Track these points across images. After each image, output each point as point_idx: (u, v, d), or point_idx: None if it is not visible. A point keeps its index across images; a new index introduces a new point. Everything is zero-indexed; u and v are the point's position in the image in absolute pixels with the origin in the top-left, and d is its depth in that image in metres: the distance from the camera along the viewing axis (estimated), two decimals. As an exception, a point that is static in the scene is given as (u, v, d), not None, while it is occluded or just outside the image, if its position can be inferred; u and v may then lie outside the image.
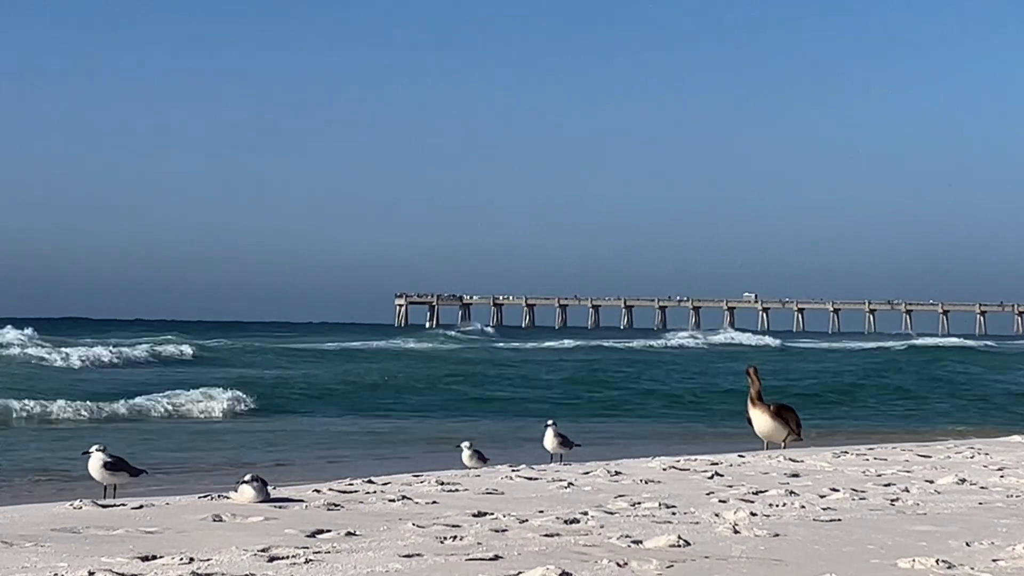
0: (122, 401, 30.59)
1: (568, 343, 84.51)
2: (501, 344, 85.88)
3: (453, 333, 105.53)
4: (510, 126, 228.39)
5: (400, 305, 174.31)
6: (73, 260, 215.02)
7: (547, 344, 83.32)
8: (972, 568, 8.05)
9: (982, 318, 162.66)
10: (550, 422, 17.23)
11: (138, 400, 30.99)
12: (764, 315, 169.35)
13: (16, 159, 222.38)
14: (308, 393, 38.52)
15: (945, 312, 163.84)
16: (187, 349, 59.43)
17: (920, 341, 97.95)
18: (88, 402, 30.02)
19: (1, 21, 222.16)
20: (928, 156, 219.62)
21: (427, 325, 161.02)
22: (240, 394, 32.80)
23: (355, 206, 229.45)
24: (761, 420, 17.35)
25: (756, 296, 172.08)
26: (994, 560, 8.35)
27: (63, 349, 52.14)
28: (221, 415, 30.58)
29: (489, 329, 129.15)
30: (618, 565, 7.94)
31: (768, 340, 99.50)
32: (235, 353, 62.91)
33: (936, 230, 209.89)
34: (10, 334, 74.65)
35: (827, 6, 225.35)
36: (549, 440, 16.92)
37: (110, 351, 52.90)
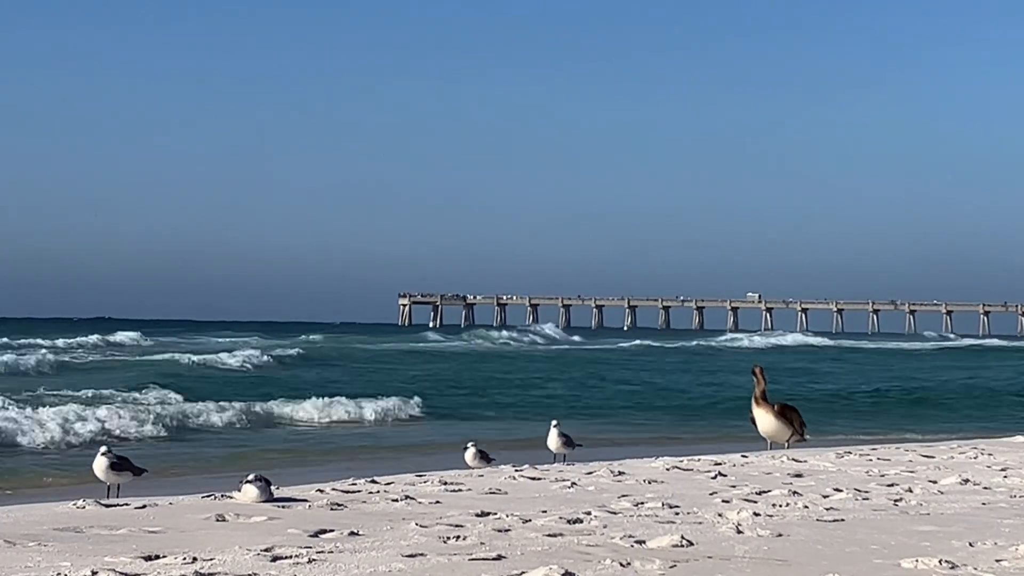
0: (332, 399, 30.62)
1: (637, 342, 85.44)
2: (599, 345, 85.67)
3: (528, 338, 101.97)
4: (514, 125, 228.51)
5: (404, 305, 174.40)
6: (72, 260, 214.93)
7: (620, 345, 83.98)
8: (975, 568, 8.05)
9: (986, 318, 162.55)
10: (555, 422, 17.23)
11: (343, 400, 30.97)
12: (767, 315, 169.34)
13: (18, 159, 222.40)
14: (471, 396, 38.14)
15: (948, 312, 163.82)
16: (296, 351, 59.54)
17: (966, 342, 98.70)
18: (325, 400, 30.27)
19: (9, 22, 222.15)
20: (931, 156, 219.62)
21: (430, 325, 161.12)
22: (416, 399, 32.45)
23: (358, 205, 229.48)
24: (765, 420, 17.34)
25: (759, 296, 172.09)
26: (997, 560, 8.35)
27: (223, 355, 53.19)
28: (408, 418, 30.30)
29: (552, 329, 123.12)
30: (621, 565, 7.93)
31: (826, 341, 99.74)
32: (339, 354, 62.42)
33: (939, 230, 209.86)
34: (123, 335, 75.52)
35: (831, 8, 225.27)
36: (553, 440, 16.91)
37: (254, 353, 54.30)
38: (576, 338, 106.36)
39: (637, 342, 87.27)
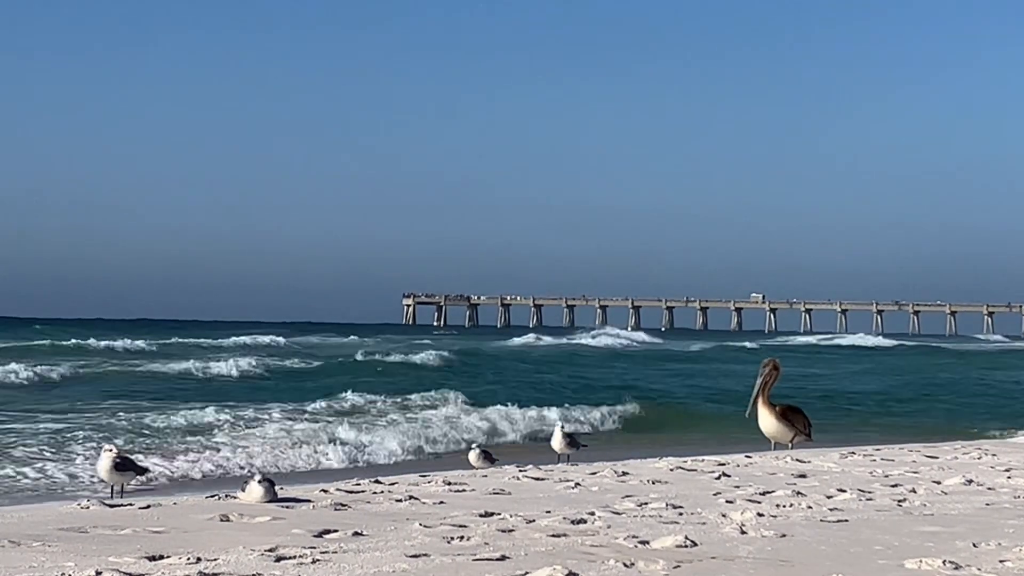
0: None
1: (748, 344, 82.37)
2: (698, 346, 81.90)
3: (625, 340, 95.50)
4: (517, 125, 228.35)
5: (408, 305, 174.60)
6: (79, 261, 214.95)
7: (723, 344, 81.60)
8: (979, 569, 8.05)
9: (990, 319, 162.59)
10: (560, 424, 17.27)
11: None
12: (771, 316, 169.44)
13: (25, 157, 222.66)
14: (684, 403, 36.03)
15: (952, 313, 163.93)
16: (443, 354, 55.98)
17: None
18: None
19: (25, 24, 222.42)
20: (935, 156, 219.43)
21: (435, 325, 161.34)
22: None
23: (361, 205, 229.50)
24: (767, 421, 17.33)
25: (763, 297, 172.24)
26: (1001, 561, 8.35)
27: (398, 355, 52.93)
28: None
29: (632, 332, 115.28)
30: (625, 565, 7.94)
31: (889, 341, 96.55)
32: (490, 356, 60.47)
33: (943, 231, 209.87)
34: (267, 339, 75.66)
35: (838, 10, 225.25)
36: (557, 440, 16.93)
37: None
38: (646, 337, 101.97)
39: (748, 344, 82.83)
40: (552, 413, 26.69)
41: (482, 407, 27.46)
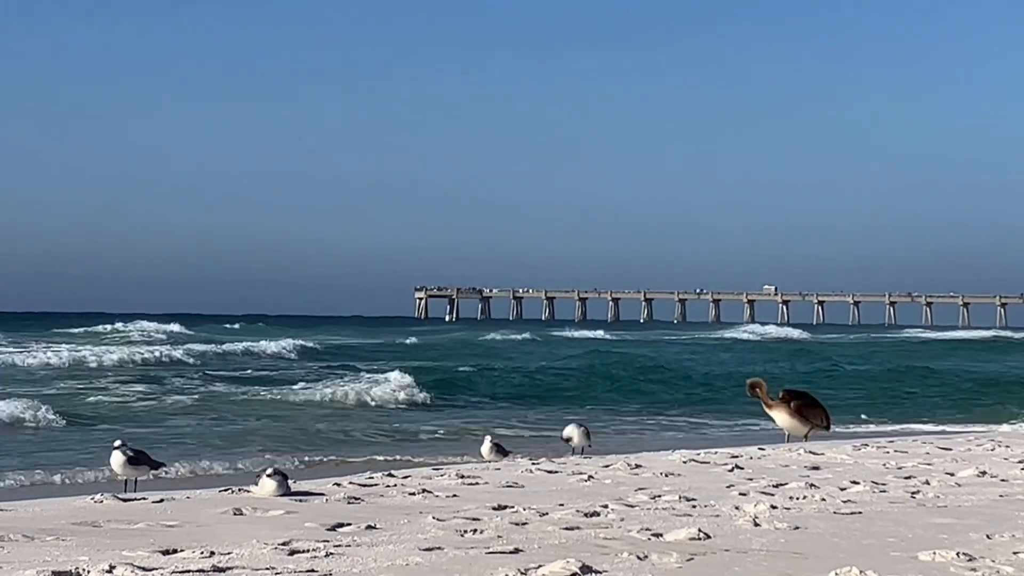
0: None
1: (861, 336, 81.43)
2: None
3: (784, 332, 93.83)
4: (528, 120, 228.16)
5: (420, 298, 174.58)
6: (89, 257, 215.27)
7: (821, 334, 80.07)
8: (992, 560, 8.03)
9: (1002, 310, 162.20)
10: (570, 418, 17.29)
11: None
12: (784, 308, 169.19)
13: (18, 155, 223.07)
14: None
15: (965, 304, 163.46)
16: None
17: None
18: None
19: (35, 23, 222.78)
20: (946, 147, 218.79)
21: (447, 319, 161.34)
22: None
23: (373, 199, 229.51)
24: (780, 417, 17.34)
25: (776, 289, 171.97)
26: (1015, 553, 8.33)
27: None
28: None
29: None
30: (638, 558, 7.93)
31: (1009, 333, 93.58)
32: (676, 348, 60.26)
33: (956, 222, 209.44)
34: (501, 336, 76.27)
35: (851, 5, 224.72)
36: (572, 433, 16.91)
37: None
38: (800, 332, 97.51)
39: (860, 336, 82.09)
40: None
41: None
